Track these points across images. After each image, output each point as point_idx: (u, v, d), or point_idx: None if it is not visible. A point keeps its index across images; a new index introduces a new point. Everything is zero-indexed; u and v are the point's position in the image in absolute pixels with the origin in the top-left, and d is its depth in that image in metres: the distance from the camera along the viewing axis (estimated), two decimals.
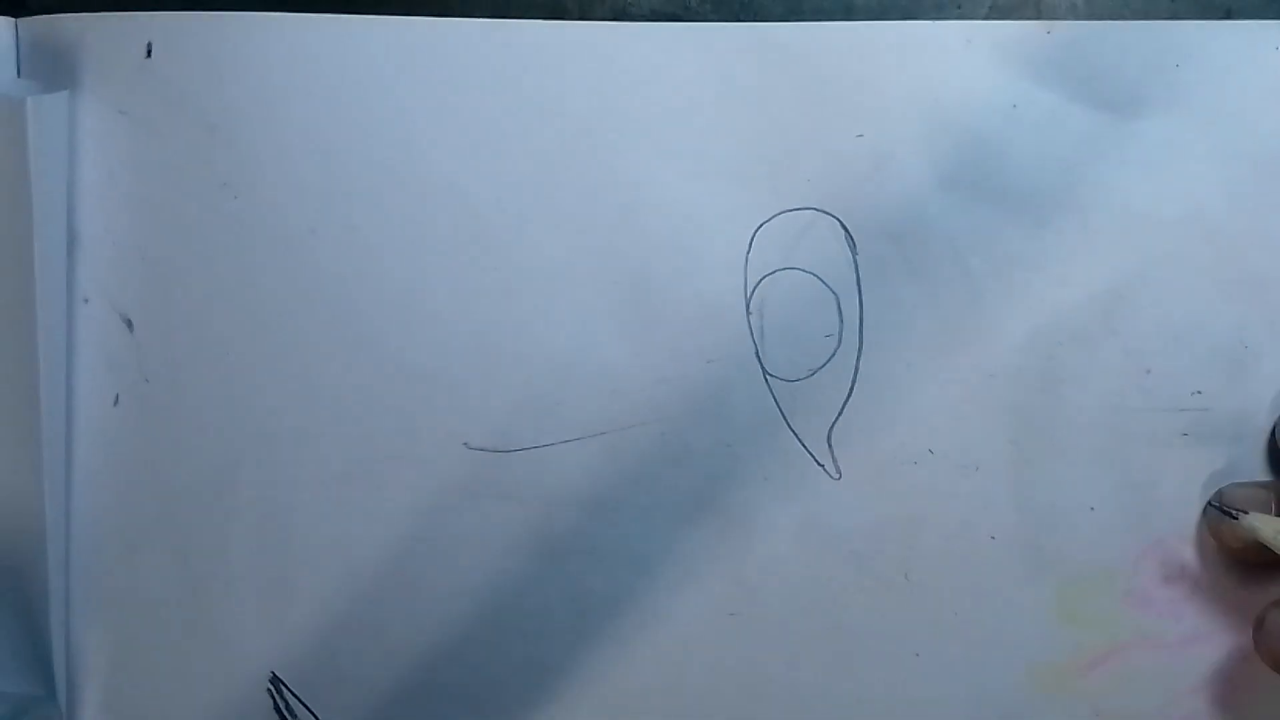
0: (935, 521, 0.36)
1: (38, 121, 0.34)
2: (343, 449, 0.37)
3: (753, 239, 0.35)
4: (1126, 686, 0.36)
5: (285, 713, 0.38)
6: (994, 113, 0.34)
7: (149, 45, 0.36)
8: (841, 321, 0.35)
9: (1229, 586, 0.35)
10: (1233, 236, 0.34)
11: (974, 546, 0.36)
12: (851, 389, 0.35)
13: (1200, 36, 0.33)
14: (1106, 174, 0.34)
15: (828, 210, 0.35)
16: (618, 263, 0.35)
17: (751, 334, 0.35)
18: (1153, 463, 0.35)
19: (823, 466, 0.36)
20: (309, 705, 0.38)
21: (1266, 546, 0.32)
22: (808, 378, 0.35)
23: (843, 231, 0.35)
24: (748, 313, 0.35)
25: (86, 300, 0.37)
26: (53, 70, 0.36)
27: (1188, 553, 0.35)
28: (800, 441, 0.36)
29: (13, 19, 0.36)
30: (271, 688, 0.38)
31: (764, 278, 0.35)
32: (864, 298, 0.35)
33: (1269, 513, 0.32)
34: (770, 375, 0.36)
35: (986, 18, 0.34)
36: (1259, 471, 0.35)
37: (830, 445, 0.36)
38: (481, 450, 0.36)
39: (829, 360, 0.35)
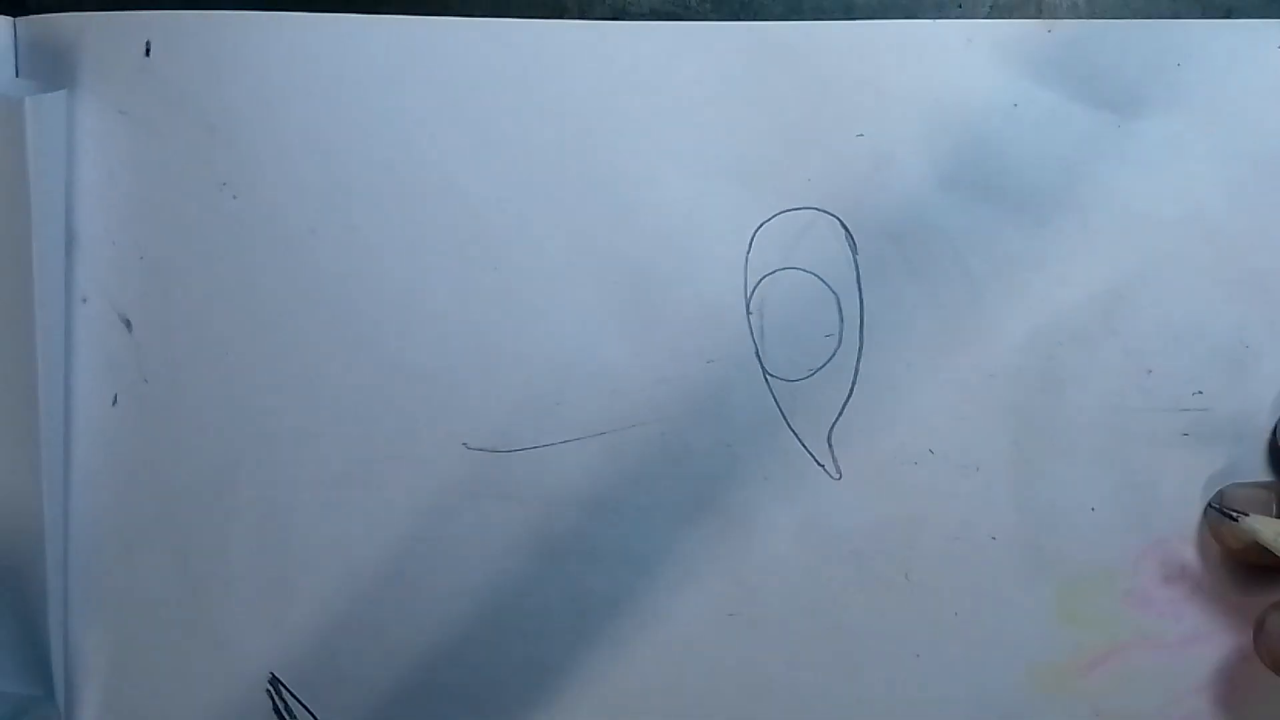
0: (935, 521, 0.36)
1: (36, 121, 0.34)
2: (342, 449, 0.37)
3: (753, 239, 0.35)
4: (1126, 687, 0.36)
5: (284, 713, 0.38)
6: (994, 112, 0.34)
7: (147, 44, 0.36)
8: (842, 321, 0.35)
9: (1229, 587, 0.35)
10: (1233, 236, 0.34)
11: (974, 546, 0.36)
12: (852, 389, 0.35)
13: (1201, 35, 0.33)
14: (1107, 173, 0.34)
15: (828, 210, 0.35)
16: (617, 263, 0.35)
17: (751, 334, 0.35)
18: (1153, 463, 0.35)
19: (823, 466, 0.36)
20: (308, 706, 0.38)
21: (1266, 548, 0.32)
22: (808, 378, 0.35)
23: (843, 231, 0.35)
24: (748, 312, 0.35)
25: (85, 300, 0.37)
26: (51, 70, 0.36)
27: (1188, 553, 0.35)
28: (800, 441, 0.36)
29: (11, 18, 0.36)
30: (271, 688, 0.38)
31: (764, 277, 0.35)
32: (864, 297, 0.35)
33: (1270, 514, 0.32)
34: (770, 375, 0.35)
35: (987, 17, 0.34)
36: (1260, 472, 0.35)
37: (830, 445, 0.36)
38: (481, 450, 0.36)
39: (829, 360, 0.35)
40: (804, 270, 0.35)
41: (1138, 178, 0.34)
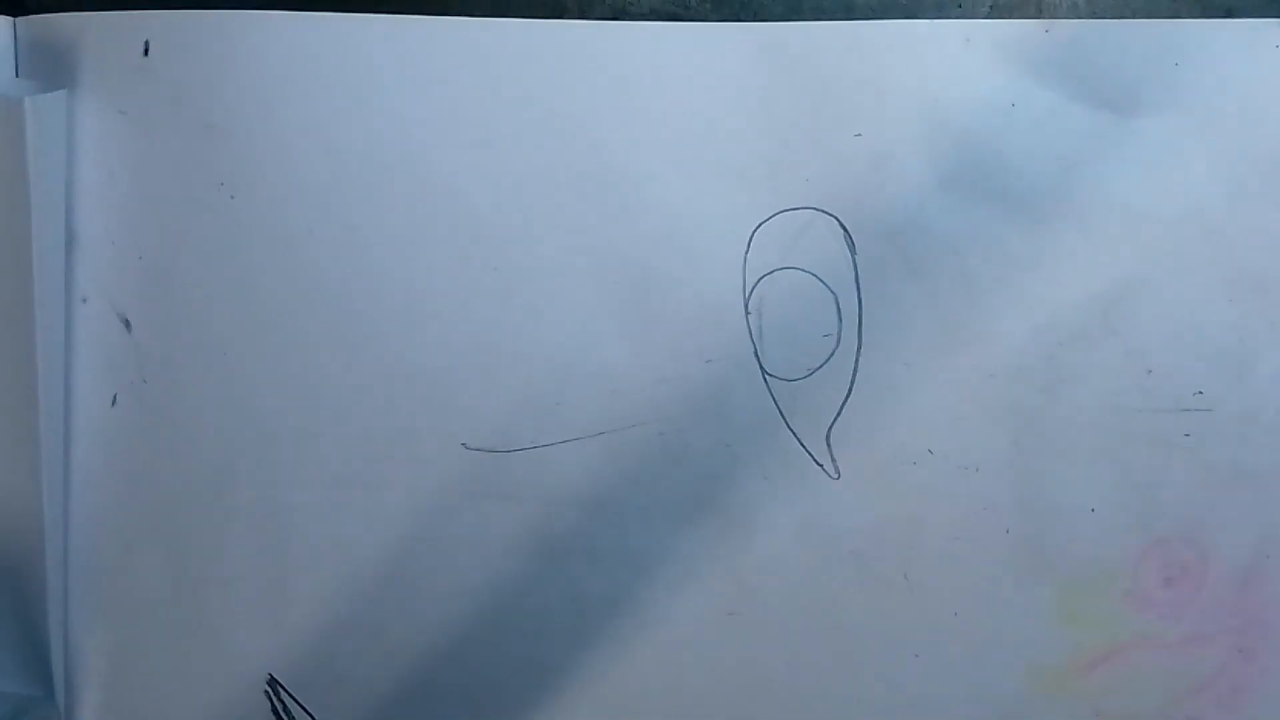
0: (935, 521, 0.35)
1: (36, 121, 0.34)
2: (341, 449, 0.37)
3: (751, 238, 0.35)
4: (1126, 687, 0.36)
5: (283, 714, 0.38)
6: (993, 112, 0.34)
7: (146, 44, 0.36)
8: (840, 321, 0.35)
9: (1230, 587, 0.35)
10: (1233, 235, 0.34)
11: (974, 546, 0.36)
12: (851, 389, 0.35)
13: (1200, 35, 0.33)
14: (1106, 173, 0.34)
15: (827, 210, 0.35)
16: (617, 262, 0.35)
17: (750, 334, 0.35)
18: (1154, 463, 0.35)
19: (822, 466, 0.36)
20: (306, 707, 0.38)
21: None
22: (807, 377, 0.35)
23: (841, 231, 0.35)
24: (746, 312, 0.35)
25: (85, 300, 0.37)
26: (51, 69, 0.36)
27: (1189, 554, 0.35)
28: (799, 441, 0.36)
29: (11, 18, 0.36)
30: (269, 689, 0.38)
31: (763, 277, 0.35)
32: (863, 297, 0.35)
33: None
34: (769, 375, 0.35)
35: (987, 17, 0.34)
36: (1265, 472, 0.35)
37: (829, 445, 0.36)
38: (480, 450, 0.36)
39: (828, 360, 0.35)
40: (803, 270, 0.35)
41: (1137, 177, 0.34)
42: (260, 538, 0.37)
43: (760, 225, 0.35)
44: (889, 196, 0.34)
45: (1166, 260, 0.34)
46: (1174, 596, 0.35)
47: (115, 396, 0.37)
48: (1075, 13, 0.34)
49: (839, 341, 0.35)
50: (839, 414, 0.35)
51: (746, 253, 0.35)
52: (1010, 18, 0.34)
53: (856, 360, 0.35)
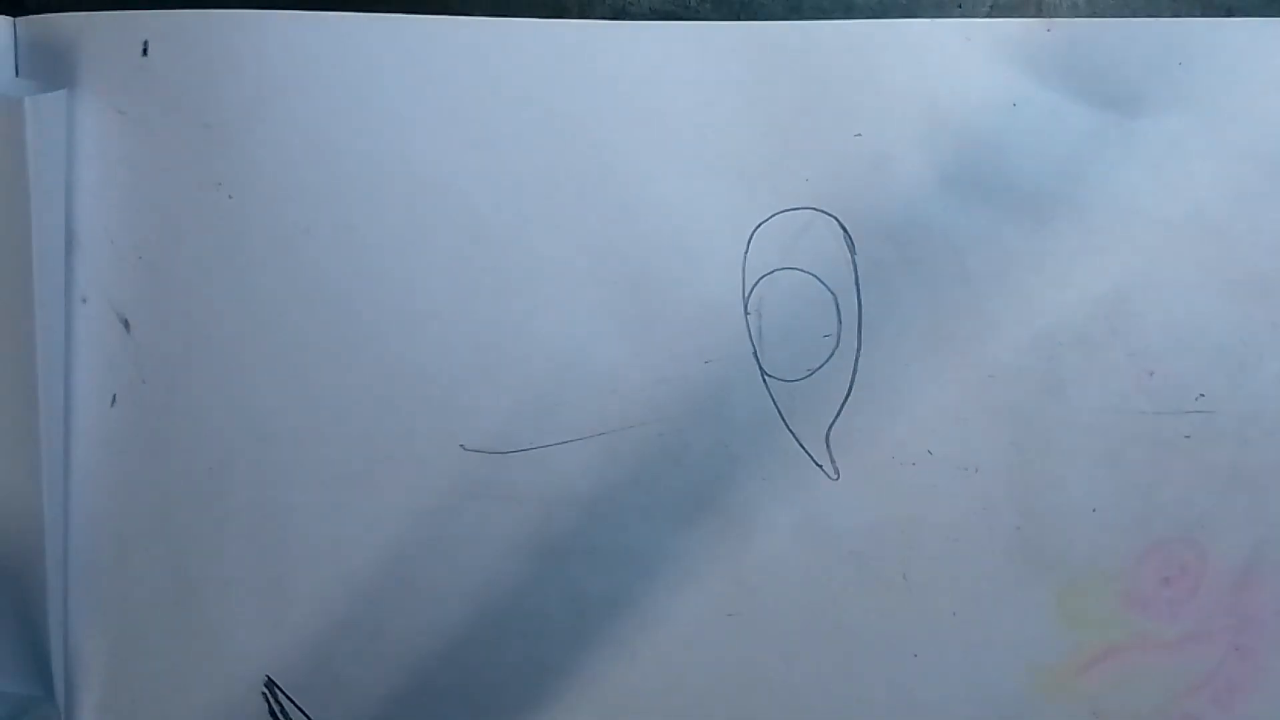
0: (934, 522, 0.35)
1: (36, 121, 0.34)
2: (340, 450, 0.37)
3: (751, 238, 0.35)
4: (1125, 687, 0.36)
5: (280, 716, 0.38)
6: (994, 111, 0.34)
7: (145, 44, 0.36)
8: (840, 321, 0.35)
9: (1228, 587, 0.35)
10: (1236, 236, 0.34)
11: (973, 546, 0.36)
12: (850, 389, 0.35)
13: (1202, 34, 0.33)
14: (1108, 173, 0.34)
15: (826, 210, 0.35)
16: (616, 263, 0.35)
17: (750, 334, 0.35)
18: (1155, 465, 0.35)
19: (821, 467, 0.36)
20: (304, 709, 0.38)
21: None
22: (806, 378, 0.35)
23: (841, 231, 0.35)
24: (746, 313, 0.35)
25: (84, 300, 0.37)
26: (51, 69, 0.36)
27: (1188, 554, 0.35)
28: (799, 442, 0.36)
29: (11, 18, 0.36)
30: (267, 690, 0.38)
31: (762, 278, 0.35)
32: (863, 298, 0.35)
33: None
34: (768, 375, 0.35)
35: (987, 16, 0.34)
36: (1264, 475, 0.35)
37: (829, 445, 0.36)
38: (479, 451, 0.36)
39: (827, 360, 0.35)
40: (802, 270, 0.35)
41: (1138, 177, 0.34)
42: (259, 538, 0.37)
43: (760, 225, 0.35)
44: (889, 196, 0.34)
45: (1168, 261, 0.34)
46: (1172, 596, 0.35)
47: (114, 397, 0.37)
48: (1076, 12, 0.34)
49: (838, 342, 0.35)
50: (838, 414, 0.35)
51: (746, 253, 0.35)
52: (1011, 17, 0.34)
53: (856, 361, 0.35)
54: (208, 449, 0.37)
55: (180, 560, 0.38)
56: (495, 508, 0.36)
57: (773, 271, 0.35)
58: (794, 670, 0.36)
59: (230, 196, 0.36)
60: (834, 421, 0.35)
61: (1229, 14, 0.34)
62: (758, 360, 0.35)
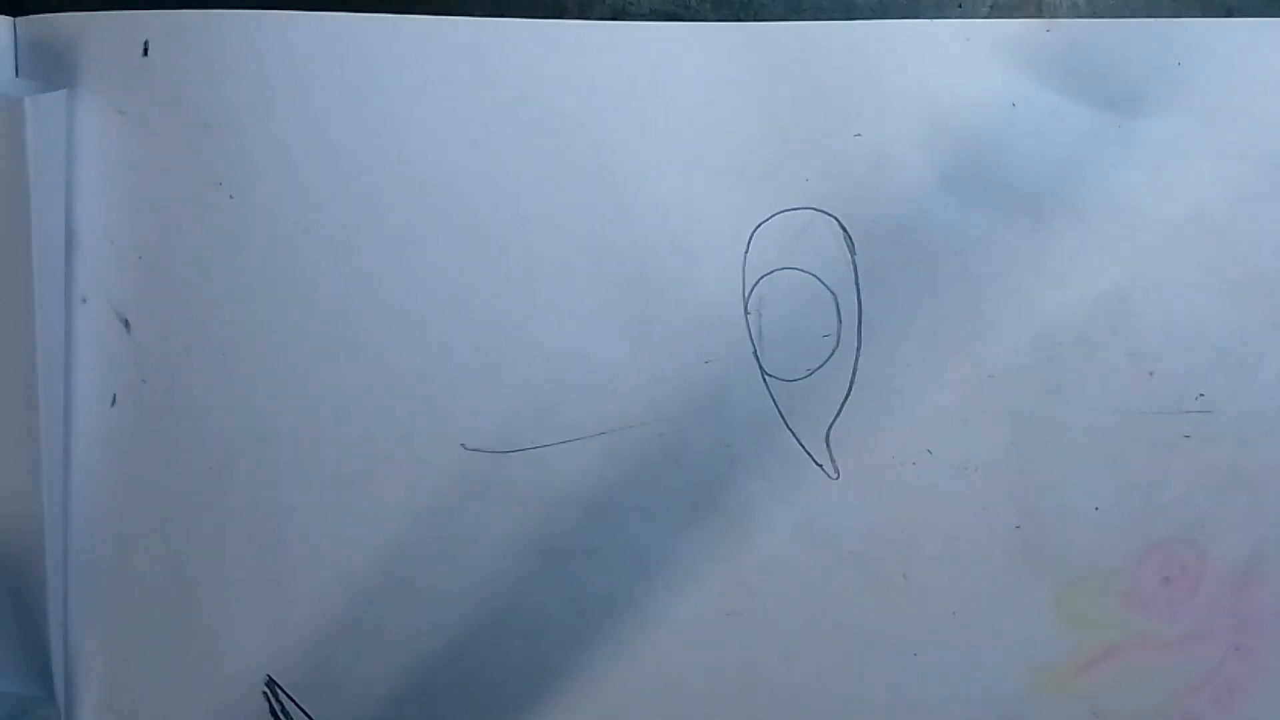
0: (934, 521, 0.35)
1: (36, 121, 0.34)
2: (340, 450, 0.37)
3: (751, 238, 0.35)
4: (1126, 687, 0.36)
5: (281, 715, 0.38)
6: (994, 111, 0.34)
7: (145, 44, 0.36)
8: (840, 321, 0.35)
9: (1228, 587, 0.35)
10: (1235, 236, 0.34)
11: (973, 546, 0.36)
12: (850, 389, 0.35)
13: (1202, 34, 0.33)
14: (1107, 173, 0.34)
15: (826, 210, 0.35)
16: (616, 263, 0.35)
17: (750, 334, 0.35)
18: (1155, 465, 0.35)
19: (821, 467, 0.36)
20: (305, 708, 0.38)
21: None
22: (806, 378, 0.35)
23: (841, 231, 0.35)
24: (746, 313, 0.35)
25: (84, 300, 0.37)
26: (51, 69, 0.36)
27: (1188, 554, 0.35)
28: (799, 441, 0.36)
29: (11, 18, 0.36)
30: (267, 690, 0.38)
31: (762, 277, 0.35)
32: (862, 297, 0.35)
33: None
34: (768, 375, 0.35)
35: (987, 16, 0.34)
36: (1264, 475, 0.35)
37: (829, 445, 0.36)
38: (479, 451, 0.36)
39: (827, 360, 0.35)
40: (802, 270, 0.35)
41: (1138, 177, 0.34)
42: (259, 538, 0.37)
43: (760, 225, 0.35)
44: (889, 196, 0.34)
45: (1168, 261, 0.34)
46: (1172, 596, 0.35)
47: (115, 397, 0.37)
48: (1076, 12, 0.34)
49: (838, 342, 0.35)
50: (838, 414, 0.35)
51: (746, 253, 0.35)
52: (1010, 17, 0.34)
53: (856, 360, 0.35)
54: (208, 449, 0.37)
55: (180, 560, 0.38)
56: (495, 508, 0.36)
57: (773, 271, 0.35)
58: (794, 670, 0.36)
59: (230, 196, 0.36)
60: (834, 421, 0.35)
61: (1229, 14, 0.34)
62: (758, 360, 0.35)
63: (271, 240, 0.36)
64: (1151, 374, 0.35)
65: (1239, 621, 0.35)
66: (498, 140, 0.35)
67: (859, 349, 0.35)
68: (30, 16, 0.36)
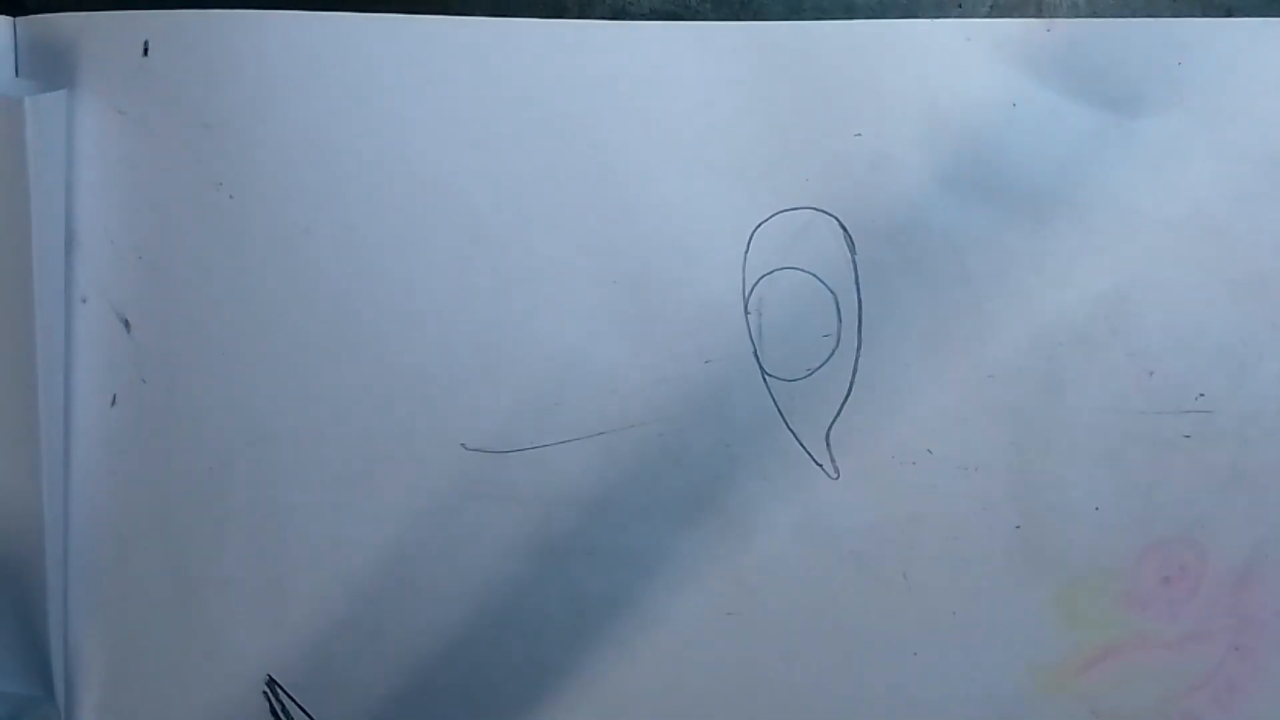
0: (934, 521, 0.35)
1: (36, 121, 0.34)
2: (340, 450, 0.37)
3: (751, 238, 0.35)
4: (1125, 687, 0.36)
5: (281, 715, 0.38)
6: (994, 111, 0.34)
7: (145, 44, 0.36)
8: (840, 321, 0.35)
9: (1228, 587, 0.35)
10: (1236, 236, 0.34)
11: (973, 546, 0.36)
12: (850, 389, 0.35)
13: (1201, 34, 0.33)
14: (1107, 173, 0.34)
15: (826, 209, 0.35)
16: (616, 262, 0.35)
17: (750, 334, 0.35)
18: (1155, 465, 0.35)
19: (821, 466, 0.36)
20: (305, 708, 0.38)
21: None
22: (806, 378, 0.35)
23: (841, 231, 0.35)
24: (746, 312, 0.35)
25: (84, 300, 0.37)
26: (51, 69, 0.36)
27: (1188, 554, 0.35)
28: (799, 441, 0.36)
29: (11, 18, 0.36)
30: (268, 690, 0.38)
31: (762, 277, 0.35)
32: (863, 297, 0.35)
33: None
34: (769, 375, 0.35)
35: (987, 16, 0.34)
36: (1264, 475, 0.35)
37: (829, 445, 0.36)
38: (479, 451, 0.36)
39: (827, 360, 0.35)
40: (802, 270, 0.35)
41: (1138, 177, 0.34)
42: (259, 538, 0.37)
43: (760, 225, 0.35)
44: (889, 196, 0.34)
45: (1168, 261, 0.34)
46: (1172, 596, 0.35)
47: (114, 397, 0.37)
48: (1076, 12, 0.34)
49: (838, 341, 0.35)
50: (838, 414, 0.35)
51: (746, 253, 0.35)
52: (1011, 17, 0.34)
53: (856, 360, 0.35)
54: (208, 448, 0.37)
55: (180, 560, 0.38)
56: (495, 508, 0.36)
57: (773, 271, 0.35)
58: (794, 670, 0.36)
59: (230, 196, 0.36)
60: (834, 421, 0.35)
61: (1229, 14, 0.34)
62: (758, 360, 0.35)
63: (271, 240, 0.36)
64: (1151, 374, 0.35)
65: (1239, 621, 0.35)
66: (498, 140, 0.35)
67: (859, 349, 0.35)
68: (30, 16, 0.36)
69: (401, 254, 0.36)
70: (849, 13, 0.35)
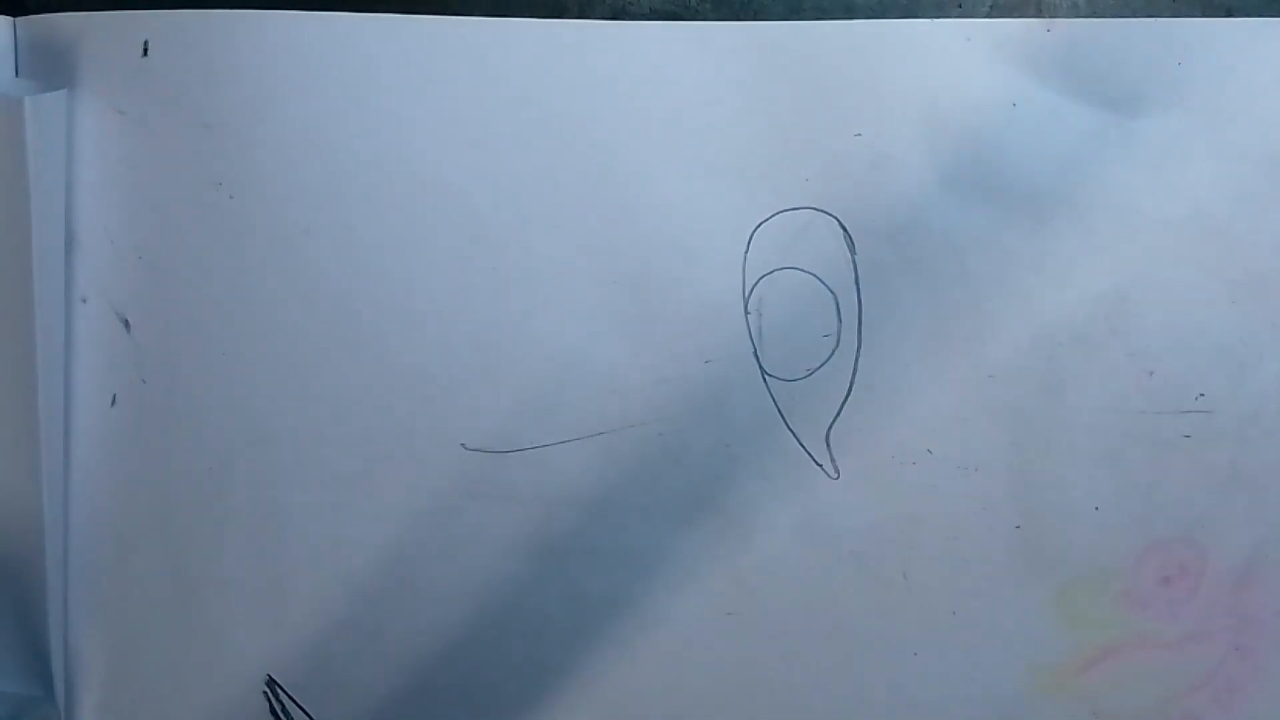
0: (934, 521, 0.35)
1: (36, 121, 0.34)
2: (340, 450, 0.37)
3: (751, 238, 0.35)
4: (1125, 685, 0.36)
5: (281, 715, 0.38)
6: (994, 111, 0.34)
7: (145, 44, 0.36)
8: (840, 321, 0.35)
9: (1228, 587, 0.35)
10: (1235, 236, 0.34)
11: (973, 546, 0.36)
12: (850, 389, 0.35)
13: (1201, 34, 0.33)
14: (1107, 173, 0.34)
15: (826, 209, 0.35)
16: (616, 262, 0.35)
17: (750, 334, 0.35)
18: (1155, 465, 0.35)
19: (821, 466, 0.36)
20: (305, 708, 0.38)
21: None
22: (806, 378, 0.35)
23: (841, 231, 0.35)
24: (746, 312, 0.35)
25: (84, 300, 0.37)
26: (51, 69, 0.36)
27: (1188, 554, 0.35)
28: (799, 441, 0.36)
29: (11, 18, 0.36)
30: (268, 690, 0.38)
31: (762, 277, 0.35)
32: (863, 297, 0.35)
33: None
34: (769, 375, 0.35)
35: (987, 16, 0.34)
36: (1264, 475, 0.35)
37: (829, 445, 0.36)
38: (479, 451, 0.36)
39: (827, 360, 0.35)
40: (802, 270, 0.35)
41: (1138, 177, 0.34)
42: (259, 538, 0.37)
43: (760, 225, 0.35)
44: (889, 196, 0.34)
45: (1168, 261, 0.34)
46: (1172, 596, 0.35)
47: (114, 397, 0.37)
48: (1076, 12, 0.34)
49: (838, 341, 0.35)
50: (838, 414, 0.35)
51: (746, 253, 0.35)
52: (1011, 17, 0.34)
53: (856, 360, 0.35)
54: (208, 449, 0.37)
55: (181, 559, 0.38)
56: (496, 507, 0.36)
57: (773, 271, 0.35)
58: (794, 670, 0.36)
59: (230, 196, 0.36)
60: (834, 421, 0.35)
61: (1229, 14, 0.34)
62: (758, 360, 0.35)
63: (271, 240, 0.36)
64: (1151, 374, 0.35)
65: (1239, 621, 0.35)
66: (498, 140, 0.35)
67: (859, 349, 0.35)
68: (30, 16, 0.36)
69: (401, 254, 0.36)
70: (849, 13, 0.35)
